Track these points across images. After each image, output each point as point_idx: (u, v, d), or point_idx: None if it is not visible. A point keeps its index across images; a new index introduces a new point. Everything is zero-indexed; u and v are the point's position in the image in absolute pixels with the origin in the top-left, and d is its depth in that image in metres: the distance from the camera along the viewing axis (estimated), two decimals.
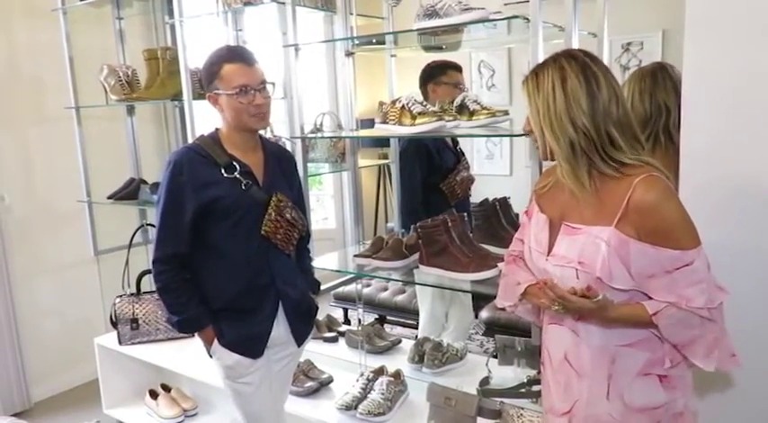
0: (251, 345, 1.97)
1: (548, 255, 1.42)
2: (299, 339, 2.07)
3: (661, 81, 1.86)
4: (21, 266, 3.46)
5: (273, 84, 1.94)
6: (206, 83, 1.92)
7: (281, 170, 2.04)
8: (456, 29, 2.11)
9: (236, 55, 1.90)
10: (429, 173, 2.80)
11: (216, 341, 1.96)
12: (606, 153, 1.32)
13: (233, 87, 1.84)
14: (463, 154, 2.98)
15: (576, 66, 1.33)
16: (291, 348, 2.08)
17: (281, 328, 2.01)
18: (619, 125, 1.32)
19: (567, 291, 1.30)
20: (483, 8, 1.85)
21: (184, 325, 1.95)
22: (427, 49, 2.64)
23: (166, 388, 3.06)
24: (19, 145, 3.47)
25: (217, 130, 1.98)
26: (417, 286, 3.10)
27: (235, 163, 1.90)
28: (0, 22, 3.34)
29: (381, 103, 2.22)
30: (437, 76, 2.78)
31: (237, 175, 1.88)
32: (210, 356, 2.01)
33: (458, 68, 2.81)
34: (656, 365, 1.37)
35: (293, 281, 2.03)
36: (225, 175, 1.88)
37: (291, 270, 2.04)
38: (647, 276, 1.31)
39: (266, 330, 1.97)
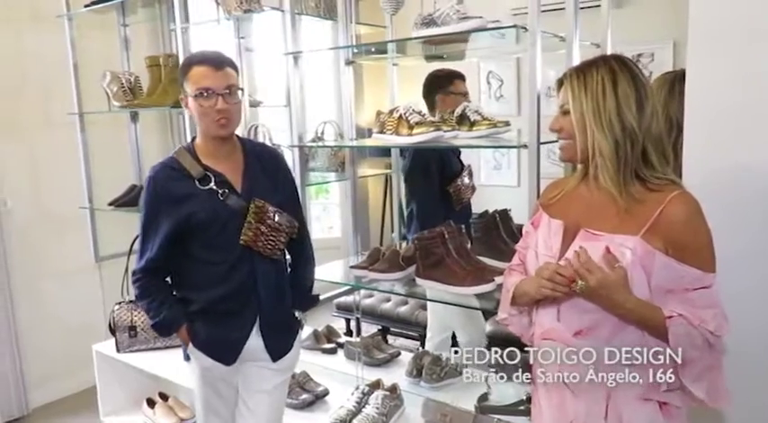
0: (224, 350, 1.94)
1: (558, 260, 1.38)
2: (274, 353, 1.98)
3: (678, 94, 1.78)
4: (22, 271, 3.46)
5: (242, 89, 1.92)
6: (180, 85, 1.92)
7: (264, 172, 1.96)
8: (461, 38, 2.09)
9: (205, 58, 1.86)
10: (441, 174, 2.78)
11: (191, 342, 1.95)
12: (635, 171, 1.31)
13: (196, 89, 1.81)
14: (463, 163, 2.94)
15: (628, 71, 1.32)
16: (269, 365, 1.99)
17: (257, 339, 1.95)
18: (655, 142, 1.32)
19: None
20: (481, 17, 1.82)
21: (161, 327, 1.96)
22: (429, 58, 2.61)
23: (164, 397, 3.03)
24: (23, 150, 3.48)
25: (193, 139, 1.97)
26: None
27: (209, 173, 1.87)
28: (7, 27, 3.36)
29: (379, 113, 2.19)
30: (446, 85, 2.73)
31: (213, 186, 1.86)
32: (188, 359, 2.00)
33: (462, 78, 2.78)
34: (654, 390, 1.33)
35: (278, 290, 1.97)
36: (200, 187, 1.86)
37: (277, 278, 1.97)
38: (665, 291, 1.30)
39: (241, 337, 1.93)
